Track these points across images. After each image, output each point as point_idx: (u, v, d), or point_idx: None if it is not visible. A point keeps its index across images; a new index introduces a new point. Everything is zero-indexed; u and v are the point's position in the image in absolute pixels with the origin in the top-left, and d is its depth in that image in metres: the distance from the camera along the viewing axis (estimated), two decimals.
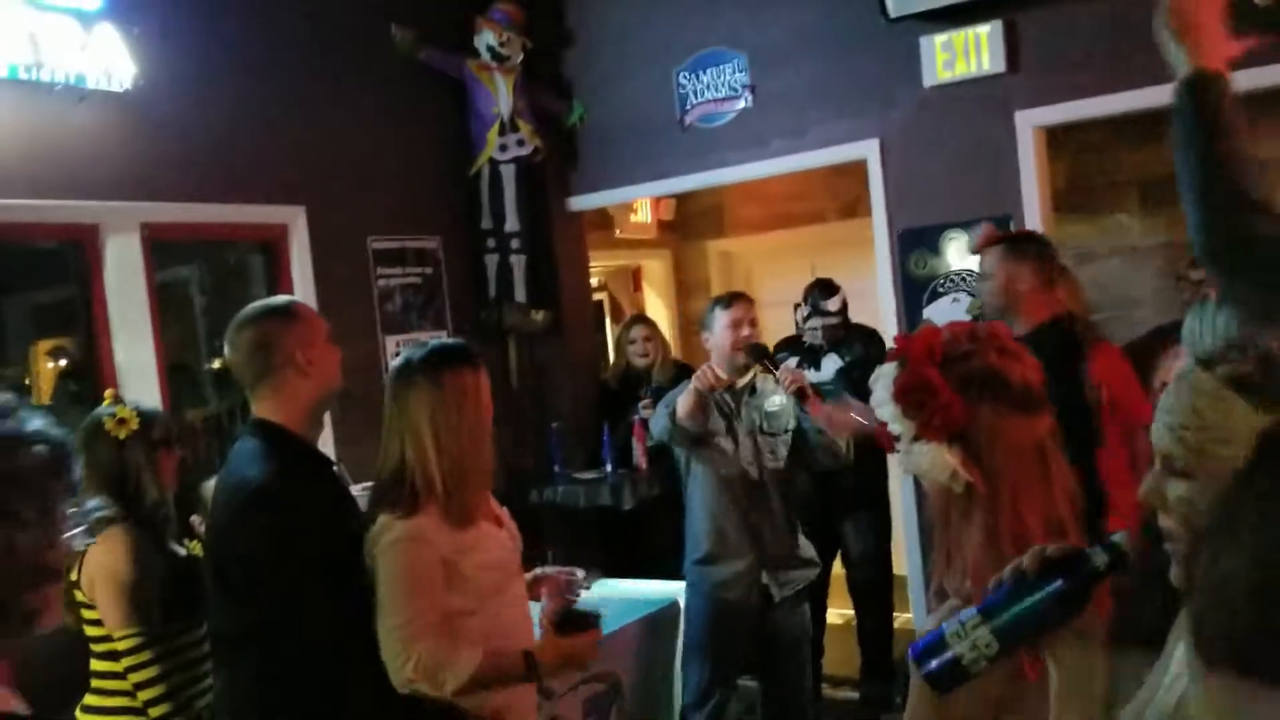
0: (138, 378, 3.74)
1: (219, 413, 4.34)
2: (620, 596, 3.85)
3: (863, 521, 4.65)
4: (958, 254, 4.33)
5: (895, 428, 1.39)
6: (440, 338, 4.83)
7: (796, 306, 4.79)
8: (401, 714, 2.25)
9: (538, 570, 2.67)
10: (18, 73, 3.31)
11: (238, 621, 2.29)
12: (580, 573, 2.75)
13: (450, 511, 2.27)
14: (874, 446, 4.64)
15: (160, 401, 3.77)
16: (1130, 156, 5.25)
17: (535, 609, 2.64)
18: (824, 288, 4.71)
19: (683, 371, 5.21)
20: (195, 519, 3.51)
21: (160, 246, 3.87)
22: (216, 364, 4.40)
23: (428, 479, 2.25)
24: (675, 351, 6.27)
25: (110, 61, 3.54)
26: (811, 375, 4.66)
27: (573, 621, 2.35)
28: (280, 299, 2.57)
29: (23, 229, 3.51)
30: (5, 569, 1.05)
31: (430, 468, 2.25)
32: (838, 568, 4.89)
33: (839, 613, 5.28)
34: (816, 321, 4.63)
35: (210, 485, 3.45)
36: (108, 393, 3.04)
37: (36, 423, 1.10)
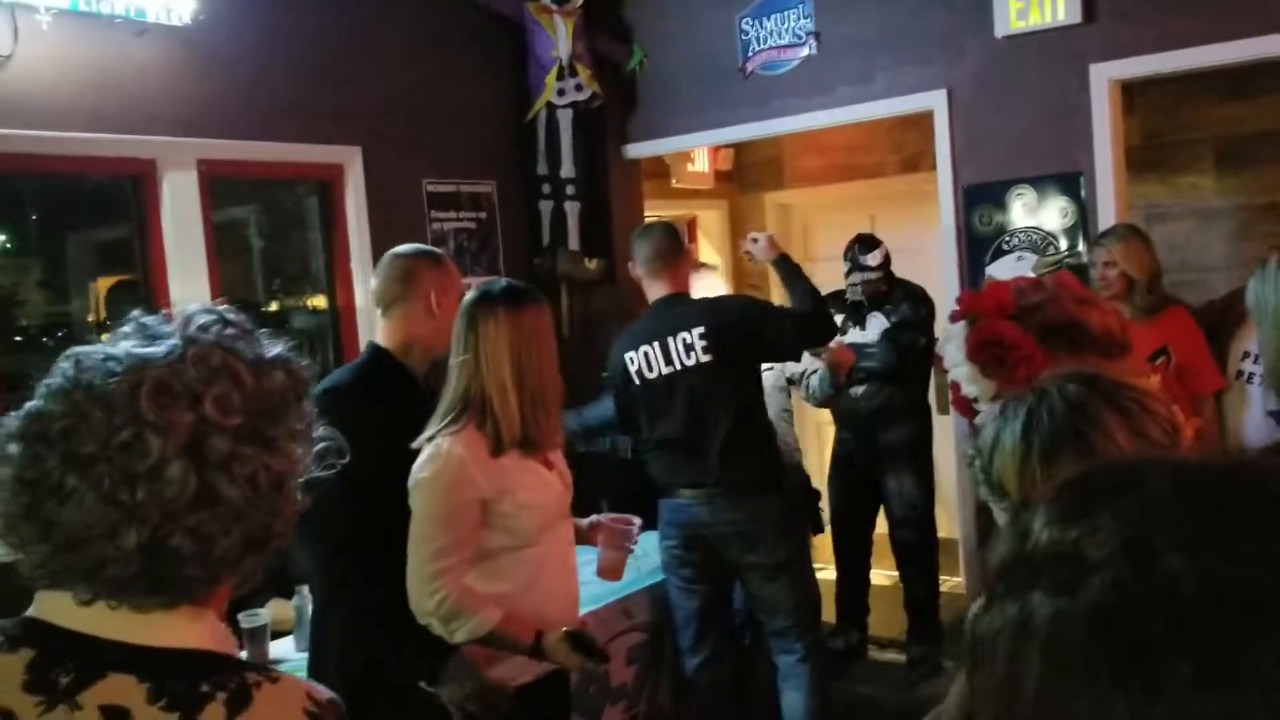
0: None
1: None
2: None
3: (906, 482, 4.58)
4: (1024, 210, 4.21)
5: (972, 389, 1.34)
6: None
7: None
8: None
9: (595, 517, 2.70)
10: (79, 4, 3.31)
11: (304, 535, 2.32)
12: (637, 521, 2.74)
13: (524, 438, 2.32)
14: (918, 406, 4.64)
15: None
16: (1207, 113, 5.06)
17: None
18: (864, 242, 4.63)
19: None
20: None
21: (215, 188, 3.86)
22: (273, 306, 4.42)
23: (505, 406, 2.29)
24: None
25: None
26: (856, 335, 4.60)
27: (586, 647, 2.36)
28: (433, 247, 2.75)
29: (81, 162, 3.52)
30: (260, 492, 1.00)
31: (510, 395, 2.29)
32: (881, 527, 4.84)
33: (884, 574, 5.24)
34: (857, 277, 4.55)
35: None
36: None
37: (276, 348, 1.07)
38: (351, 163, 4.27)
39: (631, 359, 3.50)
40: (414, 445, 2.31)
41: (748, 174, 6.55)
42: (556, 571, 2.43)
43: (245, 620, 2.99)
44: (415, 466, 2.29)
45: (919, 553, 4.68)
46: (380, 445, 2.31)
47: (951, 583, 5.24)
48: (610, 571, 2.73)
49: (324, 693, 1.03)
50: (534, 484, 2.37)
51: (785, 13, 4.64)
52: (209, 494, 0.97)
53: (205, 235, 3.79)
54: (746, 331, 3.41)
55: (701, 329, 3.38)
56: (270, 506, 1.01)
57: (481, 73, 4.81)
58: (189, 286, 3.74)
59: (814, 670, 3.56)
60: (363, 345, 2.88)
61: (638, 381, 3.49)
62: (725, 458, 3.40)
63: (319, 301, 4.44)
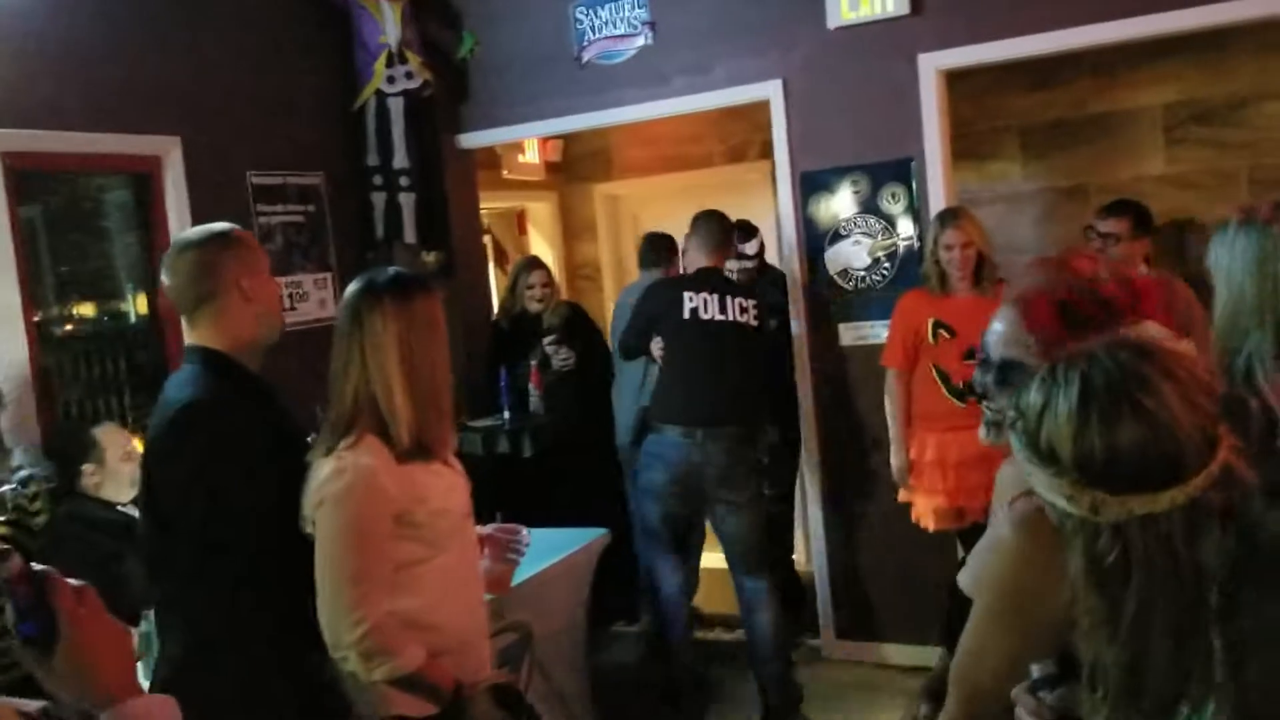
0: (2, 323, 3.41)
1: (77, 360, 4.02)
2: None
3: (780, 455, 4.66)
4: (858, 197, 4.34)
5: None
6: (325, 279, 4.62)
7: None
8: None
9: (478, 529, 2.54)
10: None
11: (168, 558, 2.17)
12: (524, 532, 2.63)
13: (419, 443, 2.12)
14: (789, 382, 4.71)
15: (28, 349, 3.47)
16: (1011, 103, 5.37)
17: None
18: (743, 230, 4.69)
19: (573, 311, 5.13)
20: (89, 468, 3.24)
21: (19, 180, 3.52)
22: (82, 310, 4.08)
23: (394, 409, 2.09)
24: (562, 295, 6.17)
25: None
26: None
27: (512, 703, 2.21)
28: (222, 225, 2.38)
29: None
30: None
31: (398, 397, 2.09)
32: None
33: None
34: (733, 265, 4.61)
35: (100, 430, 3.24)
36: None
37: None
38: (170, 154, 3.99)
39: (690, 297, 4.03)
40: (308, 459, 2.12)
41: (577, 165, 6.52)
42: (465, 578, 2.27)
43: None
44: (316, 483, 2.08)
45: (786, 524, 4.78)
46: (263, 460, 2.16)
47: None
48: (497, 584, 2.62)
49: (33, 705, 0.97)
50: (443, 487, 2.20)
51: (620, 2, 4.63)
52: None
53: (13, 234, 3.45)
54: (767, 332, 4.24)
55: (755, 303, 4.08)
56: None
57: (306, 59, 4.58)
58: None
59: (774, 590, 4.07)
60: None
61: (688, 317, 4.01)
62: (731, 406, 3.98)
63: (133, 305, 4.14)
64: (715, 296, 4.02)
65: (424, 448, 2.14)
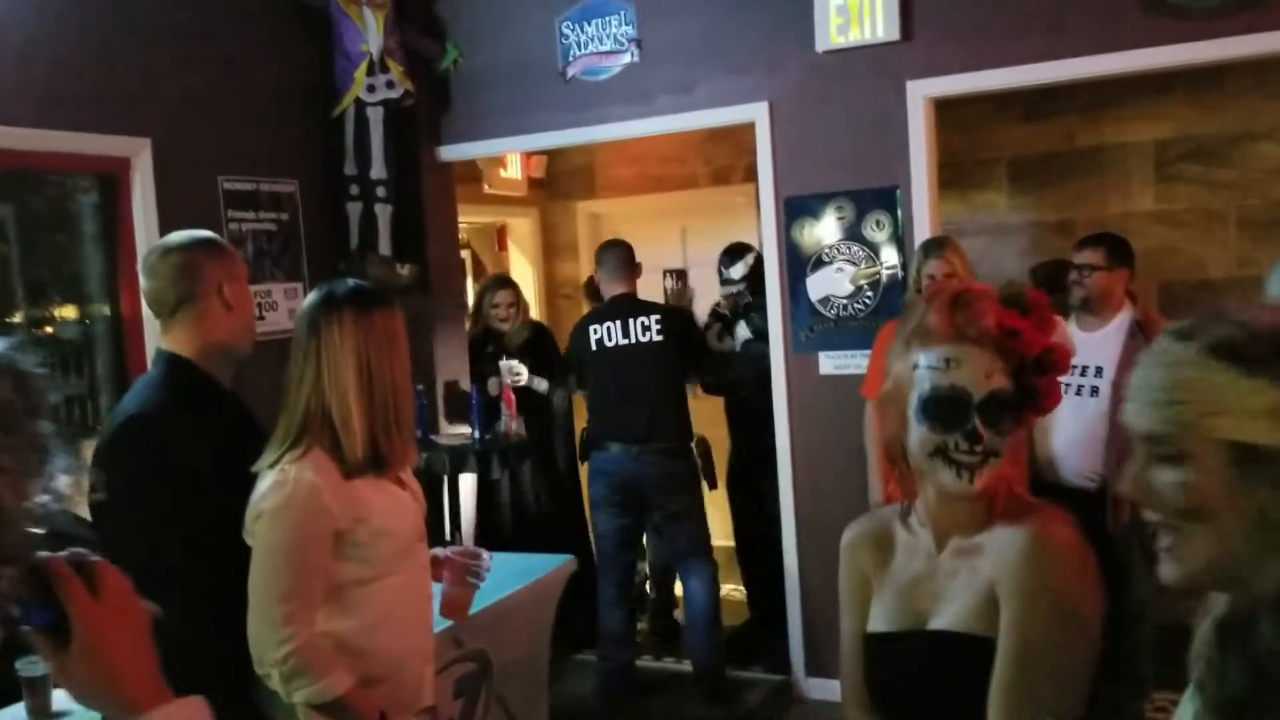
0: None
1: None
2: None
3: (766, 479, 4.59)
4: (842, 224, 4.26)
5: None
6: (296, 289, 4.51)
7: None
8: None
9: (437, 551, 2.46)
10: None
11: (113, 562, 2.12)
12: (485, 555, 2.55)
13: (373, 458, 2.07)
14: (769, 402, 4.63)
15: None
16: (1000, 134, 5.31)
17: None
18: (729, 253, 4.65)
19: (536, 332, 5.06)
20: None
21: None
22: (51, 314, 3.98)
23: (348, 422, 2.04)
24: (541, 314, 6.10)
25: None
26: (730, 345, 4.65)
27: None
28: (204, 231, 2.36)
29: None
30: None
31: (353, 410, 2.04)
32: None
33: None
34: (721, 290, 4.57)
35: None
36: None
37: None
38: (139, 155, 3.88)
39: (595, 329, 4.37)
40: (254, 469, 2.05)
41: (559, 182, 6.44)
42: (411, 603, 2.19)
43: (24, 668, 2.63)
44: (257, 495, 2.02)
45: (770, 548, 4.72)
46: (210, 475, 2.12)
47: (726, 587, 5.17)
48: (455, 609, 2.53)
49: None
50: (390, 508, 2.12)
51: (606, 18, 4.56)
52: None
53: None
54: (684, 336, 4.44)
55: (659, 316, 4.35)
56: None
57: (285, 64, 4.49)
58: None
59: (712, 568, 4.41)
60: (149, 358, 2.54)
61: (595, 348, 4.35)
62: (653, 419, 4.29)
63: (95, 310, 4.03)
64: (618, 323, 4.33)
65: (377, 462, 2.10)
